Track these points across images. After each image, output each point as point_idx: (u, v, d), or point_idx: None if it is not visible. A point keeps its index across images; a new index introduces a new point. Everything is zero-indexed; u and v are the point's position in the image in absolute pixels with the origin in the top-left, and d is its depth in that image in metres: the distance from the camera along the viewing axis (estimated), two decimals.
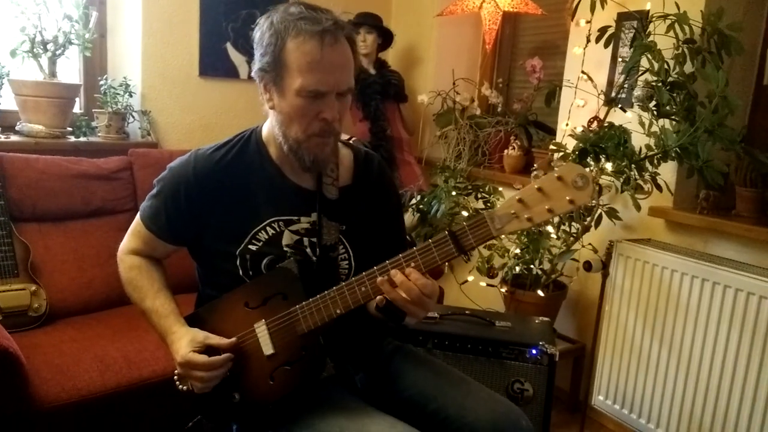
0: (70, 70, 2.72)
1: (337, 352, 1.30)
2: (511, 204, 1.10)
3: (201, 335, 1.27)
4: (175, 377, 1.35)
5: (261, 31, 1.24)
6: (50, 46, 2.48)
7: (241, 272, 1.31)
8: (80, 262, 2.20)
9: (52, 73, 2.51)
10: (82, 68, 2.78)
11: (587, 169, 2.12)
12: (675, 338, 2.08)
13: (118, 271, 2.26)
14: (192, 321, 1.34)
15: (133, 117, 2.74)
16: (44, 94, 2.47)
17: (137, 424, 1.85)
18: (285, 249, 1.31)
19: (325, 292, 1.21)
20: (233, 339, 1.27)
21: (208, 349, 1.26)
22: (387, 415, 1.23)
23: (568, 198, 1.07)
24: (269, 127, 1.33)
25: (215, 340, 1.26)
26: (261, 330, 1.26)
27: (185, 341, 1.26)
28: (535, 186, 1.09)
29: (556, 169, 1.10)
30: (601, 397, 2.33)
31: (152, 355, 1.89)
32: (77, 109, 2.73)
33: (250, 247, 1.30)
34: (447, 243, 1.13)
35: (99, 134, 2.67)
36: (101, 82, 2.67)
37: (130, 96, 2.70)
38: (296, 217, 1.32)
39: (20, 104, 2.49)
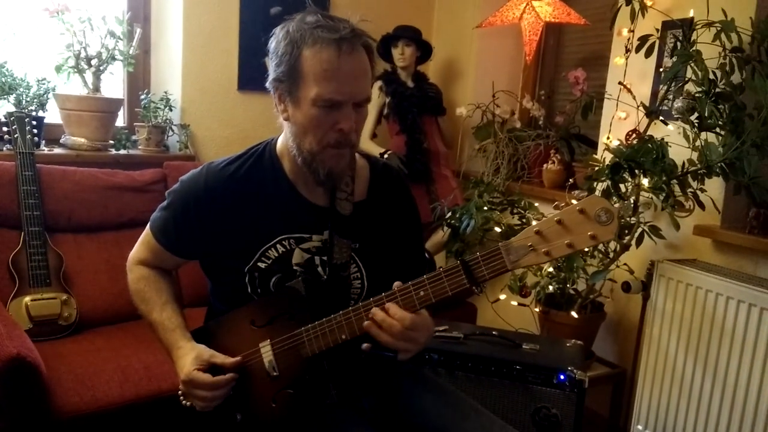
0: (115, 85, 2.81)
1: (344, 377, 1.26)
2: (529, 236, 1.04)
3: (206, 354, 1.25)
4: (180, 393, 1.33)
5: (277, 41, 1.21)
6: (94, 62, 2.56)
7: (249, 289, 1.28)
8: (112, 272, 2.24)
9: (96, 88, 2.59)
10: (126, 83, 2.86)
11: (622, 187, 2.02)
12: (720, 366, 1.93)
13: None
14: (199, 336, 1.32)
15: (173, 130, 2.79)
16: (87, 108, 2.55)
17: None
18: (295, 268, 1.27)
19: (332, 315, 1.17)
20: (238, 358, 1.24)
21: (213, 367, 1.23)
22: None
23: (590, 233, 1.01)
24: (284, 140, 1.29)
25: (220, 359, 1.24)
26: (266, 350, 1.23)
27: (189, 358, 1.24)
28: (555, 218, 1.02)
29: (578, 201, 1.03)
30: (640, 427, 2.19)
31: (172, 367, 1.86)
32: (120, 122, 2.81)
33: (259, 264, 1.27)
34: (459, 273, 1.08)
35: (139, 147, 2.73)
36: (142, 97, 2.73)
37: (170, 110, 2.76)
38: (308, 235, 1.28)
39: (64, 118, 2.57)
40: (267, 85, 1.24)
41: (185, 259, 1.39)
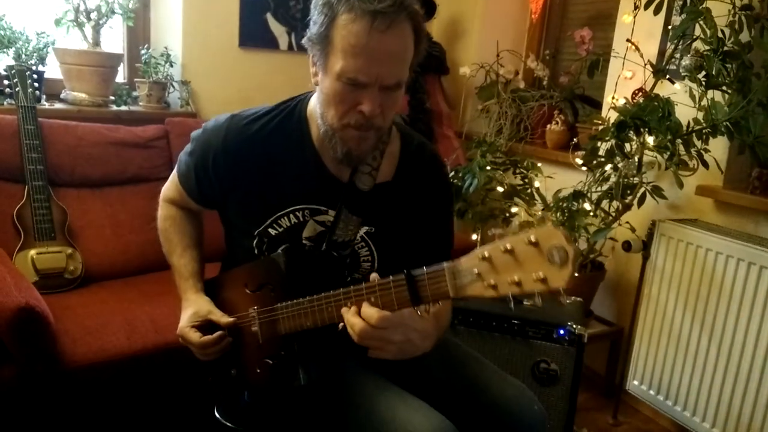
0: (114, 40, 2.77)
1: (317, 357, 1.21)
2: (476, 260, 0.87)
3: (204, 309, 1.26)
4: None
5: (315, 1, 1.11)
6: (93, 15, 2.52)
7: (256, 252, 1.26)
8: (116, 227, 2.25)
9: (96, 43, 2.56)
10: (125, 38, 2.82)
11: (627, 147, 2.01)
12: (717, 324, 1.96)
13: (152, 237, 2.34)
14: (208, 287, 1.34)
15: (174, 87, 2.77)
16: (87, 62, 2.52)
17: (162, 387, 1.88)
18: (304, 242, 1.23)
19: (302, 299, 1.11)
20: (231, 319, 1.24)
21: (208, 324, 1.25)
22: (398, 389, 1.20)
23: (539, 274, 0.81)
24: (314, 103, 1.20)
25: (216, 316, 1.25)
26: (253, 317, 1.22)
27: (188, 312, 1.26)
28: (506, 245, 0.83)
29: (532, 229, 0.83)
30: (636, 382, 2.23)
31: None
32: (120, 78, 2.78)
33: (269, 230, 1.23)
34: (403, 287, 0.95)
35: (140, 103, 2.71)
36: (143, 52, 2.70)
37: (171, 66, 2.73)
38: (324, 208, 1.23)
39: (64, 73, 2.55)
40: (303, 42, 1.15)
41: (204, 208, 1.37)
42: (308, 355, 1.17)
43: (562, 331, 1.81)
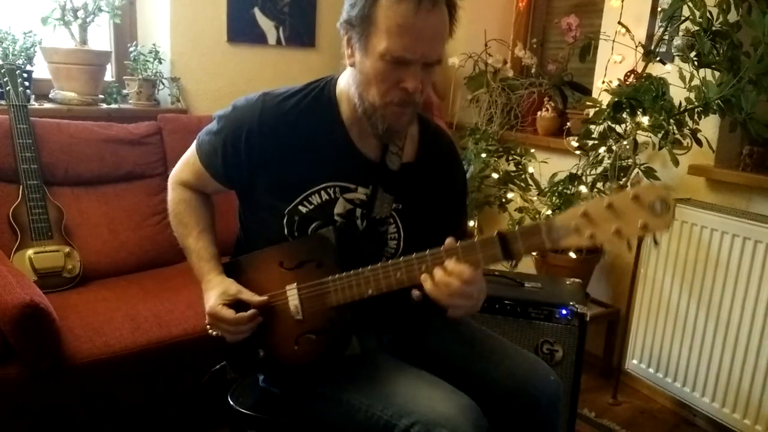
0: (101, 38, 2.75)
1: (366, 321, 1.25)
2: (574, 216, 0.98)
3: (234, 288, 1.25)
4: (207, 322, 1.34)
5: None
6: (80, 13, 2.50)
7: (285, 231, 1.25)
8: (112, 225, 2.24)
9: (83, 41, 2.53)
10: (113, 35, 2.80)
11: (620, 128, 2.04)
12: (714, 300, 2.00)
13: (149, 233, 2.32)
14: (229, 269, 1.32)
15: (163, 84, 2.75)
16: (76, 61, 2.50)
17: (167, 381, 1.88)
18: (336, 218, 1.25)
19: (360, 269, 1.15)
20: (264, 297, 1.24)
21: (238, 303, 1.24)
22: (416, 368, 1.21)
23: (641, 222, 0.94)
24: (346, 83, 1.23)
25: (246, 295, 1.24)
26: (292, 293, 1.22)
27: (217, 292, 1.25)
28: (606, 201, 0.97)
29: (633, 186, 0.98)
30: (635, 361, 2.27)
31: (182, 314, 1.92)
32: (108, 76, 2.76)
33: (300, 208, 1.24)
34: (494, 246, 1.04)
35: (130, 101, 2.69)
36: (131, 49, 2.68)
37: (160, 63, 2.71)
38: (354, 186, 1.25)
39: (53, 72, 2.52)
40: (337, 25, 1.18)
41: (227, 188, 1.34)
42: (361, 325, 1.20)
43: (564, 311, 1.83)
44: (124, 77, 2.71)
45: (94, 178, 2.27)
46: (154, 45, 2.71)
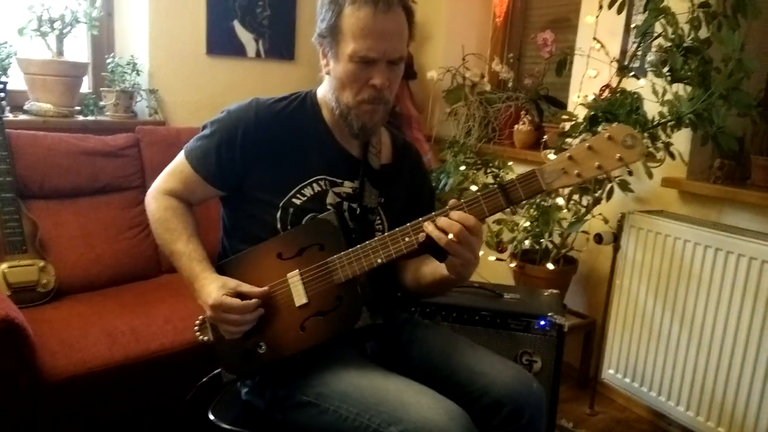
0: (78, 49, 2.73)
1: (377, 300, 1.27)
2: (561, 160, 1.13)
3: (232, 282, 1.26)
4: (196, 328, 1.34)
5: (321, 0, 1.29)
6: (57, 25, 2.48)
7: (279, 225, 1.31)
8: (88, 238, 2.21)
9: (60, 52, 2.52)
10: (90, 47, 2.78)
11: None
12: (687, 309, 2.04)
13: (125, 247, 2.29)
14: (221, 271, 1.32)
15: (141, 96, 2.74)
16: (52, 72, 2.48)
17: (145, 396, 1.85)
18: (328, 207, 1.32)
19: (366, 242, 1.22)
20: (265, 288, 1.26)
21: (239, 297, 1.24)
22: (403, 376, 1.22)
23: (617, 156, 1.10)
24: (323, 92, 1.37)
25: (247, 287, 1.26)
26: (294, 280, 1.26)
27: (216, 285, 1.25)
28: (586, 144, 1.12)
29: (606, 129, 1.14)
30: (611, 371, 2.30)
31: (160, 328, 1.90)
32: (85, 88, 2.73)
33: (294, 200, 1.31)
34: (496, 195, 1.14)
35: (107, 113, 2.67)
36: (108, 61, 2.67)
37: (138, 74, 2.70)
38: (340, 180, 1.35)
39: (28, 83, 2.49)
40: (312, 40, 1.33)
41: (218, 190, 1.37)
42: (372, 296, 1.23)
43: (543, 322, 1.85)
44: (101, 89, 2.69)
45: (70, 190, 2.24)
46: (132, 56, 2.70)
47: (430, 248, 1.16)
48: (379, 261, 1.20)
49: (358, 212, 1.35)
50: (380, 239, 1.21)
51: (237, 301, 1.23)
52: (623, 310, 2.25)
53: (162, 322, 1.93)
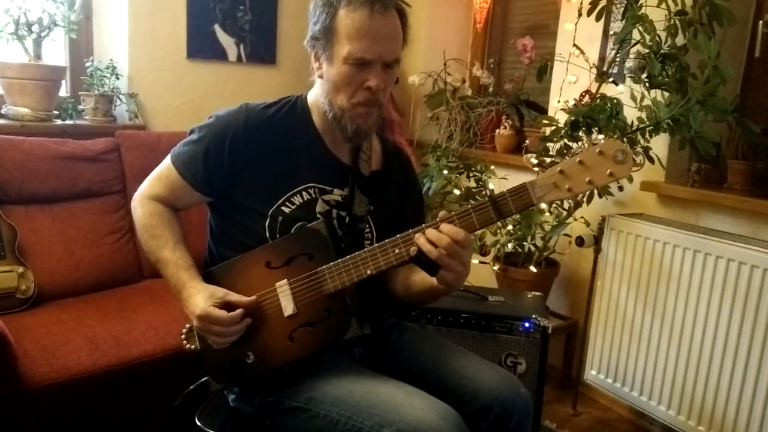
0: (56, 53, 2.69)
1: (364, 312, 1.27)
2: (552, 174, 1.13)
3: (220, 291, 1.25)
4: (183, 337, 1.32)
5: (315, 2, 1.26)
6: (35, 28, 2.45)
7: (267, 233, 1.29)
8: (68, 244, 2.18)
9: (38, 56, 2.48)
10: (68, 50, 2.74)
11: (576, 146, 2.12)
12: (667, 310, 2.07)
13: (106, 252, 2.26)
14: (208, 278, 1.31)
15: (120, 100, 2.71)
16: (29, 76, 2.44)
17: (128, 403, 1.83)
18: (318, 216, 1.30)
19: (356, 253, 1.21)
20: (253, 297, 1.25)
21: (227, 307, 1.23)
22: (392, 378, 1.23)
23: (608, 171, 1.10)
24: (315, 96, 1.35)
25: (235, 297, 1.24)
26: (283, 289, 1.24)
27: (204, 295, 1.23)
28: (577, 159, 1.12)
29: (597, 144, 1.13)
30: (593, 372, 2.33)
31: (142, 335, 1.88)
32: (63, 92, 2.70)
33: (283, 208, 1.29)
34: (487, 209, 1.14)
35: (86, 117, 2.64)
36: (87, 65, 2.63)
37: (117, 78, 2.67)
38: (330, 188, 1.33)
39: (5, 87, 2.45)
40: (304, 43, 1.30)
41: (205, 197, 1.35)
42: (360, 308, 1.23)
43: (527, 324, 1.87)
44: (80, 93, 2.65)
45: (49, 195, 2.20)
46: (111, 60, 2.67)
47: (421, 261, 1.17)
48: (369, 272, 1.19)
49: (347, 220, 1.33)
50: (370, 250, 1.20)
51: (224, 313, 1.21)
52: (605, 311, 2.28)
53: (144, 327, 1.91)
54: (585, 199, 2.26)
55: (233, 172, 1.30)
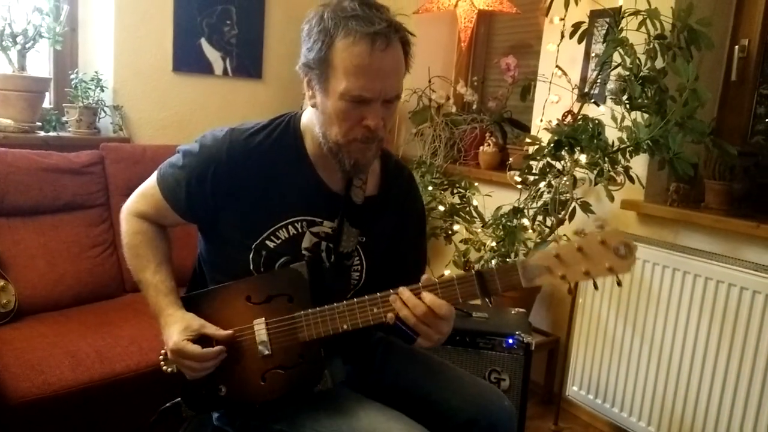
0: (40, 64, 2.68)
1: (334, 353, 1.26)
2: (547, 257, 1.06)
3: (197, 323, 1.22)
4: (161, 358, 1.30)
5: (309, 26, 1.16)
6: (20, 39, 2.44)
7: (252, 266, 1.25)
8: (50, 257, 2.16)
9: (22, 67, 2.47)
10: (53, 62, 2.73)
11: (559, 165, 2.16)
12: (647, 327, 2.11)
13: (88, 266, 2.24)
14: (188, 303, 1.29)
15: (105, 112, 2.70)
16: (13, 87, 2.43)
17: (111, 419, 1.81)
18: (303, 252, 1.25)
19: (335, 304, 1.17)
20: (230, 332, 1.22)
21: (203, 338, 1.21)
22: (375, 402, 1.23)
23: (607, 265, 1.03)
24: (309, 119, 1.26)
25: (211, 330, 1.21)
26: (260, 328, 1.21)
27: (179, 327, 1.21)
28: (576, 245, 1.04)
29: (600, 231, 1.05)
30: (575, 388, 2.35)
31: (125, 350, 1.87)
32: (47, 103, 2.68)
33: (267, 243, 1.24)
34: (472, 283, 1.10)
35: (69, 129, 2.62)
36: (72, 76, 2.63)
37: (102, 90, 2.66)
38: (320, 220, 1.26)
39: None
40: (297, 68, 1.20)
41: (187, 222, 1.32)
42: (332, 359, 1.20)
43: (510, 341, 1.89)
44: (64, 105, 2.64)
45: (31, 208, 2.19)
46: (96, 72, 2.67)
47: (398, 327, 1.14)
48: (345, 327, 1.16)
49: (333, 258, 1.28)
50: (348, 304, 1.16)
51: (196, 350, 1.19)
52: (586, 328, 2.31)
53: (127, 342, 1.89)
54: (567, 216, 2.30)
55: (216, 204, 1.25)
